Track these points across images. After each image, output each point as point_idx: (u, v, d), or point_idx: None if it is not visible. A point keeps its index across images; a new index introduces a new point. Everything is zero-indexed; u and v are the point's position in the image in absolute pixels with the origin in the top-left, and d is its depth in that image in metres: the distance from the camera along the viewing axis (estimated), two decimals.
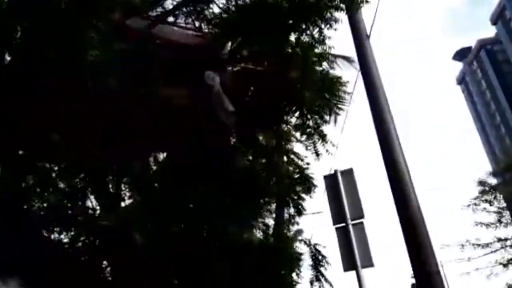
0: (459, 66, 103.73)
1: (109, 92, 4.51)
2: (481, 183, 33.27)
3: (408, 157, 5.72)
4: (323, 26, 5.58)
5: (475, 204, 32.88)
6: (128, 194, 6.66)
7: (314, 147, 7.66)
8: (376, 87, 6.15)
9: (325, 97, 9.07)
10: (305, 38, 5.87)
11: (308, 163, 8.89)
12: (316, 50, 6.06)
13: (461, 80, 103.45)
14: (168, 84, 5.21)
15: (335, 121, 12.78)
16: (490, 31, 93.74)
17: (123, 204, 6.47)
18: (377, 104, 5.96)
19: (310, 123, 7.36)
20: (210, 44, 5.70)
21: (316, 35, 5.74)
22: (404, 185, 5.41)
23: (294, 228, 16.19)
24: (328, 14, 5.87)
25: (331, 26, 5.65)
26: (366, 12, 6.52)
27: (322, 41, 5.81)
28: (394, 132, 5.78)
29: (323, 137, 7.51)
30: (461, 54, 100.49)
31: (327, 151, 7.56)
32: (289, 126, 9.84)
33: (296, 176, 11.70)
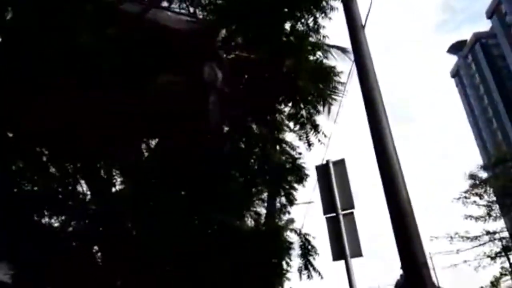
0: (454, 59, 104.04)
1: (102, 78, 4.45)
2: (472, 176, 33.67)
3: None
4: (318, 15, 5.53)
5: (466, 197, 33.31)
6: (119, 180, 6.65)
7: (307, 137, 7.65)
8: (370, 78, 6.13)
9: (319, 87, 9.06)
10: (299, 27, 5.82)
11: (300, 153, 8.90)
12: (311, 39, 6.01)
13: (455, 73, 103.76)
14: (162, 71, 5.16)
15: (329, 111, 12.80)
16: (486, 25, 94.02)
17: (114, 190, 6.46)
18: (370, 95, 5.96)
19: (303, 113, 7.34)
20: (204, 30, 5.64)
21: (311, 24, 5.70)
22: (395, 177, 5.44)
23: (285, 217, 16.30)
24: (324, 3, 5.83)
25: (326, 15, 5.60)
26: (361, 3, 6.48)
27: (316, 30, 5.77)
28: (386, 123, 5.79)
29: (315, 127, 7.50)
30: (456, 48, 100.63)
31: (319, 141, 7.55)
32: (282, 116, 9.84)
33: (288, 166, 11.73)
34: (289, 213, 15.71)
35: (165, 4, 6.74)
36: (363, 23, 6.42)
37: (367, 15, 6.36)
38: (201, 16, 6.41)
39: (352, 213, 7.13)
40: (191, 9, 7.23)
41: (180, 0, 7.16)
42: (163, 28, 5.27)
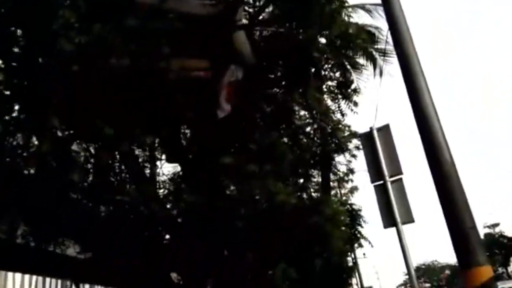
0: None
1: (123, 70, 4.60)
2: None
3: None
4: None
5: None
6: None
7: (339, 106, 7.43)
8: (405, 40, 5.74)
9: (365, 47, 8.71)
10: None
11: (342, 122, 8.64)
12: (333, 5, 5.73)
13: None
14: (184, 57, 5.25)
15: (381, 74, 12.24)
16: None
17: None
18: (406, 57, 5.58)
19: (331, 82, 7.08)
20: (223, 12, 5.59)
21: None
22: (435, 138, 5.11)
23: (348, 185, 16.12)
24: None
25: None
26: None
27: None
28: (423, 80, 5.41)
29: (348, 95, 7.23)
30: None
31: (352, 110, 7.29)
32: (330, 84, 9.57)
33: (346, 133, 11.42)
34: (352, 181, 15.55)
35: None
36: None
37: None
38: None
39: (400, 179, 6.90)
40: None
41: None
42: (181, 14, 5.31)
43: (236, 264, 7.51)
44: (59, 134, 6.01)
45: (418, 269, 64.84)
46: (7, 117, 5.51)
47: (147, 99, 5.20)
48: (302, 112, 8.48)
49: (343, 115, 7.53)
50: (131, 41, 4.58)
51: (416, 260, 67.17)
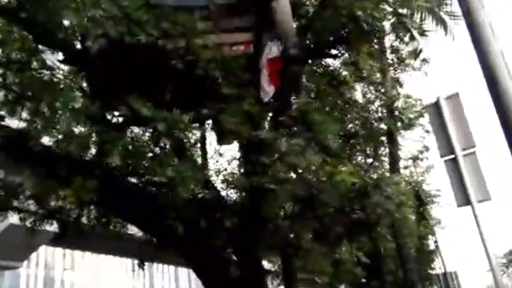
0: None
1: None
2: None
3: None
4: None
5: None
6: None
7: (397, 80, 6.74)
8: None
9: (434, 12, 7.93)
10: None
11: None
12: None
13: None
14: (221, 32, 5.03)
15: (452, 34, 10.97)
16: None
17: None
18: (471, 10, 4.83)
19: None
20: None
21: None
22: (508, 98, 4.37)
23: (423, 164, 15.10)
24: None
25: None
26: None
27: None
28: (492, 37, 4.65)
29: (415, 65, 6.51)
30: None
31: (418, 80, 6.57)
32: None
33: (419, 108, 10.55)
34: (427, 159, 14.54)
35: None
36: None
37: None
38: None
39: (473, 152, 6.20)
40: None
41: None
42: None
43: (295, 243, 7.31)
44: (115, 120, 6.12)
45: (510, 252, 59.55)
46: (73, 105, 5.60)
47: (185, 78, 5.07)
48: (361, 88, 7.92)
49: (401, 85, 6.85)
50: (164, 17, 4.47)
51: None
